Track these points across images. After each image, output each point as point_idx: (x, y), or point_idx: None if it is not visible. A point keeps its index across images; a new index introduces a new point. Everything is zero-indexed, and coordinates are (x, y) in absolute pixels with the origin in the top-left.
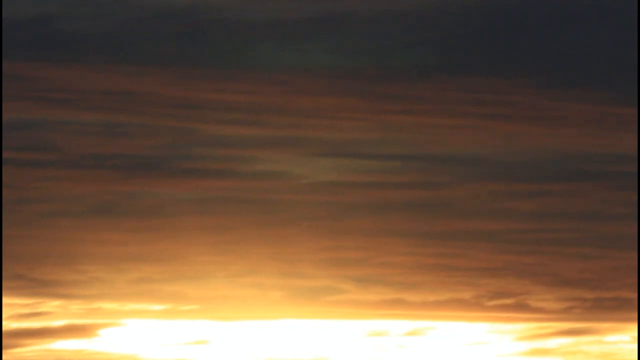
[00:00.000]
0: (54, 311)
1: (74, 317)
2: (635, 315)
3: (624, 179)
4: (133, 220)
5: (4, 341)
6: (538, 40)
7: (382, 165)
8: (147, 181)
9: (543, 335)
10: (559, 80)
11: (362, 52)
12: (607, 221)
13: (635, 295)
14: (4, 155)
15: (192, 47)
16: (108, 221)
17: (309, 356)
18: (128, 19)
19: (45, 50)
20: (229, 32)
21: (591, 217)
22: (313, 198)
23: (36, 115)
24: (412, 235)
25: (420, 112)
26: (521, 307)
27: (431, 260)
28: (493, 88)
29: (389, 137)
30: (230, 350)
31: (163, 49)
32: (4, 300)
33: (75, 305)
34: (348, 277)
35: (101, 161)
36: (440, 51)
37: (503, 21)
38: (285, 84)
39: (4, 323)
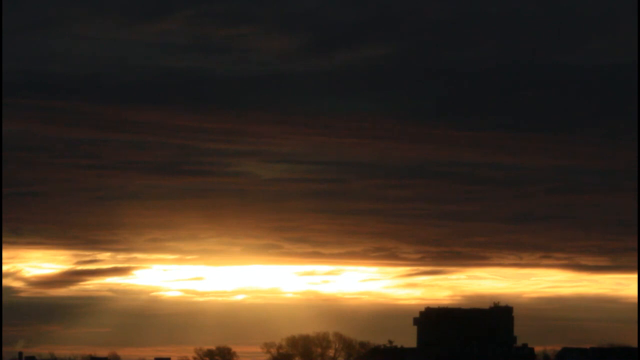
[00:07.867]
0: (105, 259)
1: (118, 263)
2: (467, 261)
3: (458, 176)
4: (153, 202)
5: (70, 277)
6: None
7: (309, 168)
8: (163, 177)
9: (409, 274)
10: (419, 118)
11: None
12: (448, 203)
13: (466, 249)
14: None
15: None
16: (136, 203)
17: (266, 287)
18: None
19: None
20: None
21: (437, 201)
22: (267, 188)
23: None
24: (326, 211)
25: (330, 135)
26: (393, 257)
27: (337, 228)
28: (378, 121)
29: (313, 151)
30: (216, 283)
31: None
32: (76, 251)
33: (118, 255)
34: (285, 238)
35: (132, 165)
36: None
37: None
38: (247, 118)
39: (74, 266)
